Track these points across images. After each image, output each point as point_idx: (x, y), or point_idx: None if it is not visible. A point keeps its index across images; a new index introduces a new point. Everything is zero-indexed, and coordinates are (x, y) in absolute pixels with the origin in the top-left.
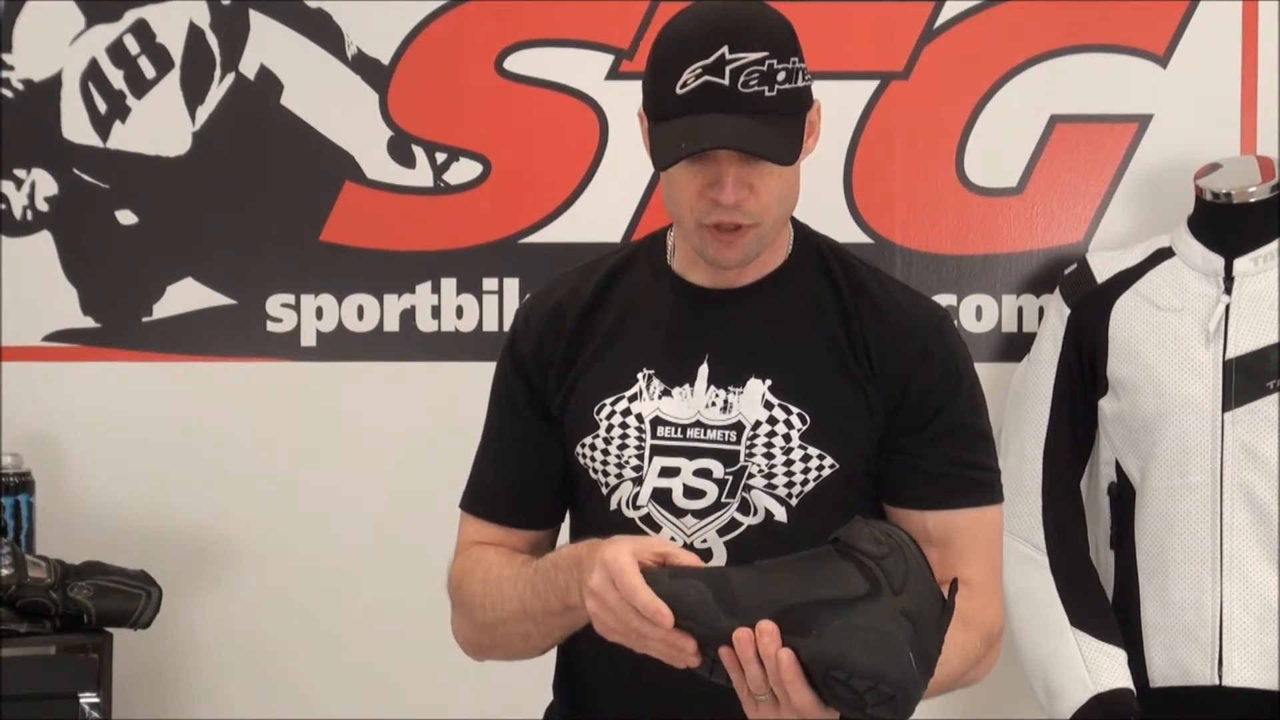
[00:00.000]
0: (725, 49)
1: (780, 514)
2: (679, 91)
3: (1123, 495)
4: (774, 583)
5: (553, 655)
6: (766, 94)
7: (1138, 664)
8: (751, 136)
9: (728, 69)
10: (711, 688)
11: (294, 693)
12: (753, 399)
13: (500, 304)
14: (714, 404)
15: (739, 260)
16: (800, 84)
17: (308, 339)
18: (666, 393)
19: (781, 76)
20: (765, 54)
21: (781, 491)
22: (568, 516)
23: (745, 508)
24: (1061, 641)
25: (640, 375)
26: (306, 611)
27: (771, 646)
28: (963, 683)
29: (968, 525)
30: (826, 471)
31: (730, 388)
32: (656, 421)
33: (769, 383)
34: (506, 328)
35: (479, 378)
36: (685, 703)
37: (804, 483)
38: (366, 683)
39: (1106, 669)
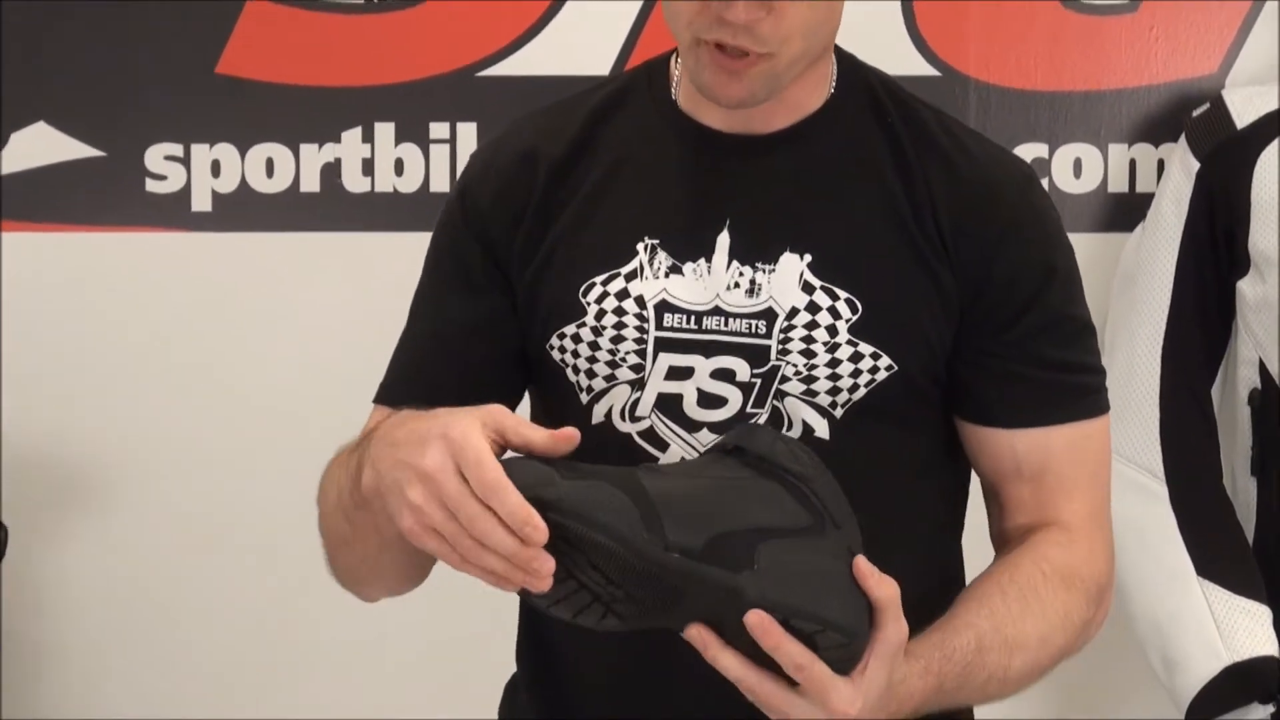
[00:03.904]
0: None
1: (821, 429)
2: None
3: (1268, 406)
4: (698, 499)
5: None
6: None
7: None
8: None
9: None
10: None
11: (189, 670)
12: (788, 279)
13: (452, 156)
14: (737, 285)
15: (741, 98)
16: None
17: (200, 202)
18: (676, 269)
19: None
20: None
21: (824, 400)
22: None
23: (777, 420)
24: (1185, 596)
25: (641, 246)
26: (206, 558)
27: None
28: (1067, 655)
29: (1067, 446)
30: (882, 375)
31: (759, 264)
32: (663, 307)
33: (809, 259)
34: None
35: (423, 251)
36: (682, 683)
37: (853, 389)
38: (284, 657)
39: (1245, 631)
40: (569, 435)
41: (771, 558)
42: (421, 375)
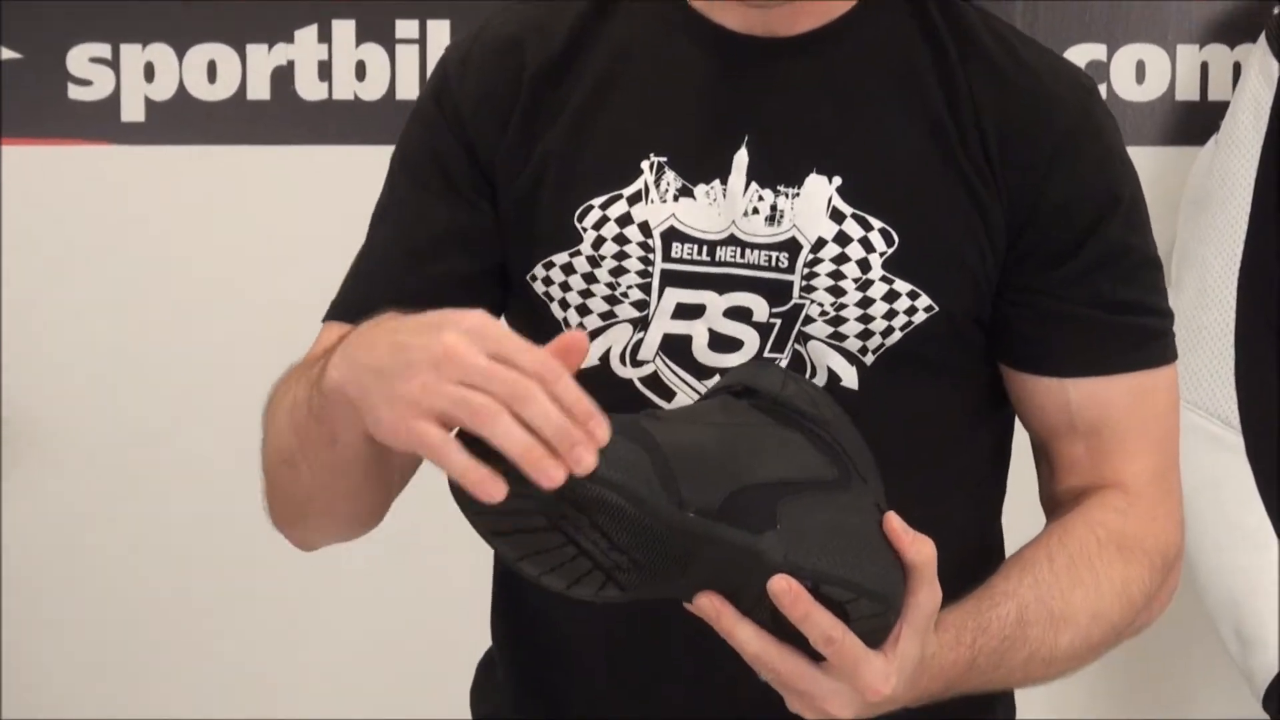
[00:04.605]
0: None
1: (850, 377)
2: None
3: None
4: (711, 450)
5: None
6: None
7: None
8: None
9: None
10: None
11: (130, 648)
12: (814, 205)
13: (421, 58)
14: (756, 211)
15: None
16: None
17: (132, 111)
18: (686, 191)
19: None
20: None
21: (853, 345)
22: None
23: (799, 366)
24: (1263, 561)
25: (646, 165)
26: (139, 516)
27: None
28: (1126, 635)
29: (1128, 398)
30: (920, 316)
31: (781, 187)
32: (670, 235)
33: (838, 182)
34: None
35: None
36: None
37: (886, 332)
38: (234, 643)
39: None
40: (578, 342)
41: (795, 516)
42: (388, 287)
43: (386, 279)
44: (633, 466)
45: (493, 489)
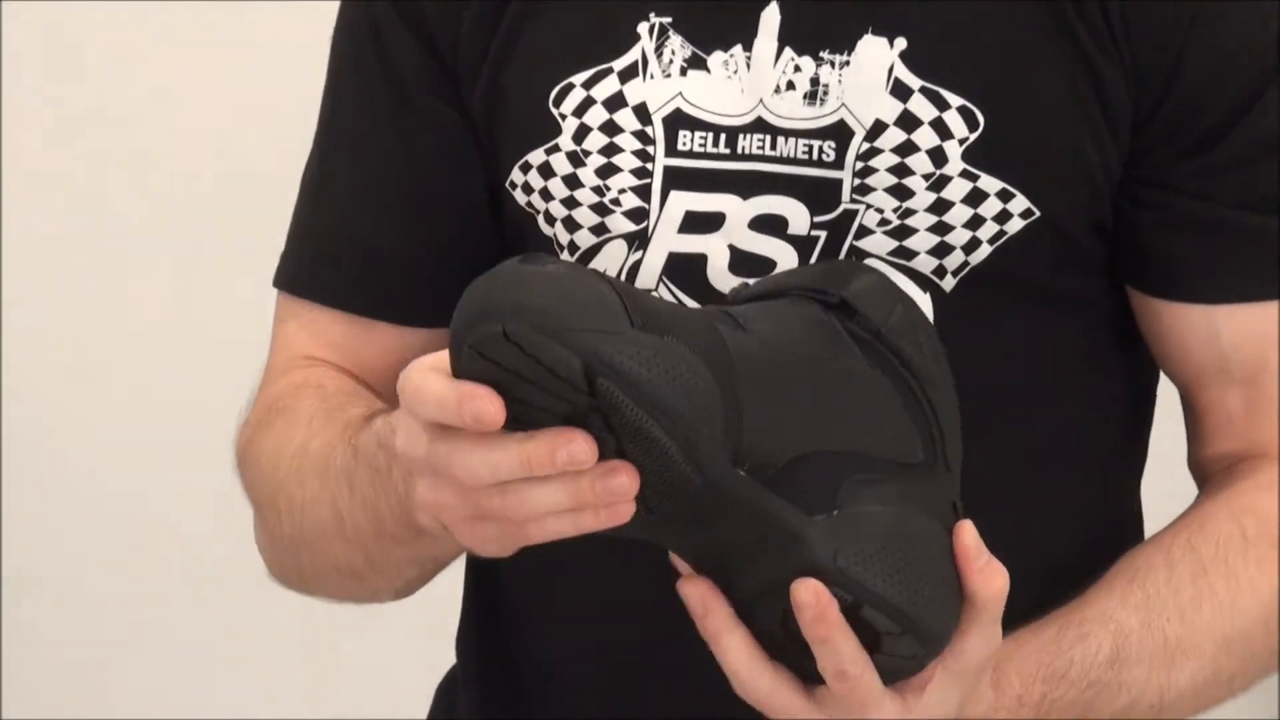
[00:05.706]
0: None
1: (922, 307)
2: None
3: None
4: (791, 389)
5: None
6: None
7: None
8: None
9: None
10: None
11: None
12: (871, 77)
13: None
14: (792, 86)
15: None
16: None
17: None
18: (696, 62)
19: None
20: None
21: (925, 263)
22: None
23: None
24: None
25: (643, 28)
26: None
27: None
28: (1277, 663)
29: None
30: (1016, 224)
31: (825, 53)
32: (677, 120)
33: (902, 45)
34: None
35: (323, 28)
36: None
37: (970, 246)
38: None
39: None
40: (471, 401)
41: (859, 504)
42: (343, 243)
43: (342, 227)
44: (699, 400)
45: (487, 409)
